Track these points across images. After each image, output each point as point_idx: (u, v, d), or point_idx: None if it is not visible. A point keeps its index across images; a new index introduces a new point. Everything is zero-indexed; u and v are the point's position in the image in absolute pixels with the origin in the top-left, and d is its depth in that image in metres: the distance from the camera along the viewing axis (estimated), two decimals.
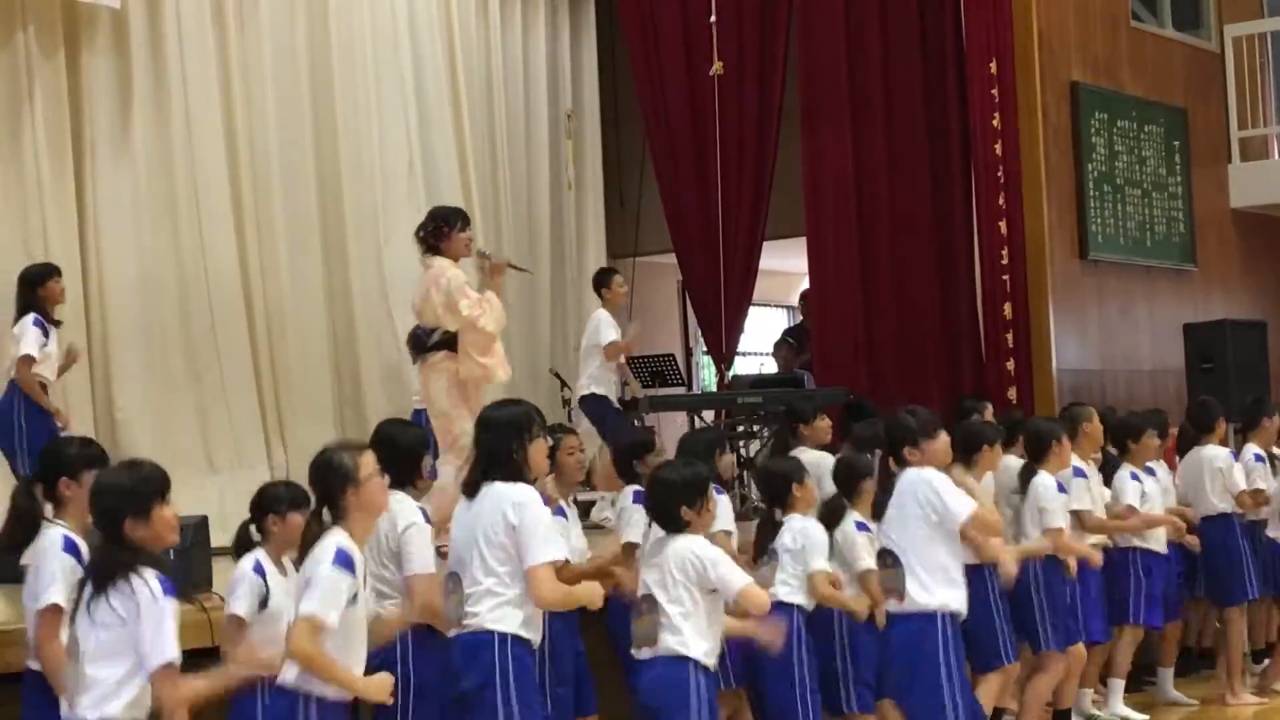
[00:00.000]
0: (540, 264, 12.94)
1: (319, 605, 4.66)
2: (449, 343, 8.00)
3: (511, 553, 5.24)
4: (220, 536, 8.85)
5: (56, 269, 8.84)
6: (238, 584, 5.34)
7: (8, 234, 9.59)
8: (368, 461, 4.89)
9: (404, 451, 5.69)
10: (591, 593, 5.43)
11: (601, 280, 10.75)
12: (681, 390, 13.28)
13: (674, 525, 5.62)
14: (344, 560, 4.73)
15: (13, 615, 6.38)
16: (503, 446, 5.33)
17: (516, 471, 5.31)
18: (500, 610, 5.26)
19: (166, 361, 10.30)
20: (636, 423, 10.64)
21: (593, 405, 10.24)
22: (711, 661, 5.57)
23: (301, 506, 5.41)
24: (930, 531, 6.29)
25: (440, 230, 8.11)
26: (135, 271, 10.20)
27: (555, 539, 5.34)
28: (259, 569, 5.35)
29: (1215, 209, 12.92)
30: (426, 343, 8.09)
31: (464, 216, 8.30)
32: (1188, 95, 12.74)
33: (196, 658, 5.32)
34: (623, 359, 10.64)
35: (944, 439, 6.37)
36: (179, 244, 10.43)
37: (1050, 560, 7.58)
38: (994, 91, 11.01)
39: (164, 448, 10.09)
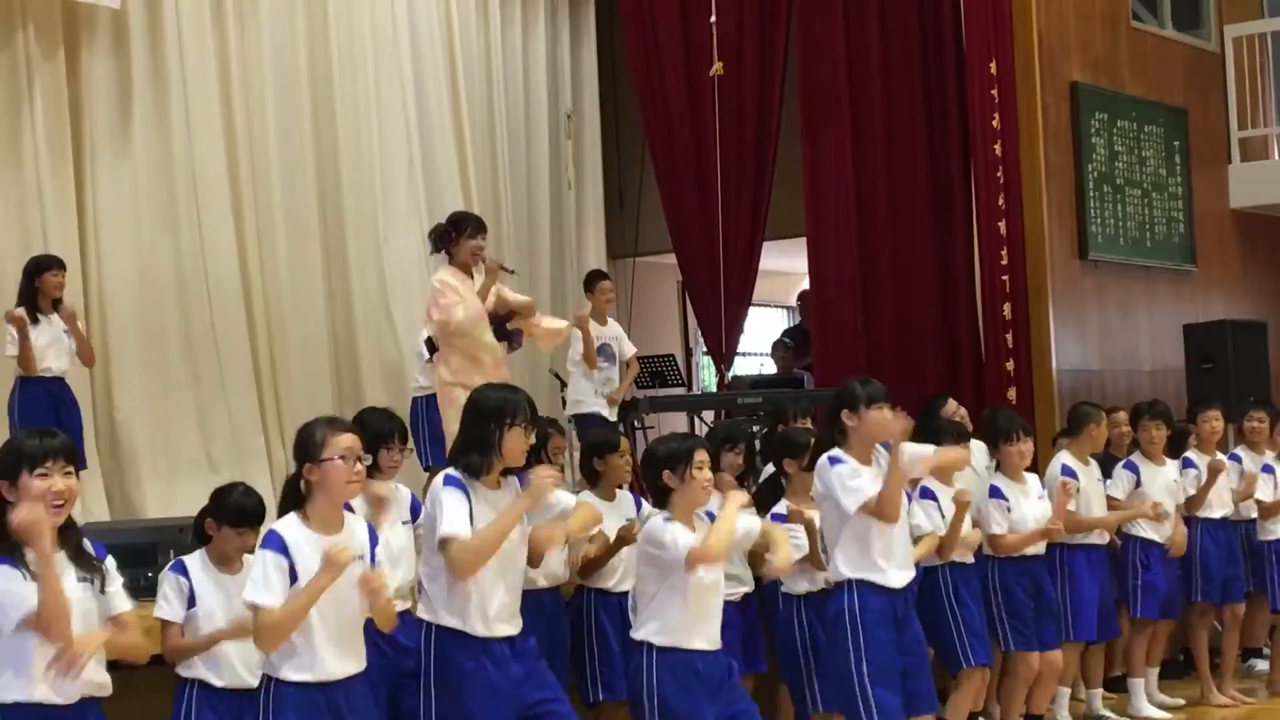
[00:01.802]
0: (540, 264, 12.94)
1: (250, 590, 4.63)
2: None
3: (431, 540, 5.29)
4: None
5: (56, 261, 8.85)
6: (159, 586, 5.48)
7: (8, 234, 9.59)
8: (338, 442, 4.75)
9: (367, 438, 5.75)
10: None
11: (587, 284, 10.74)
12: (681, 391, 13.29)
13: (659, 496, 5.60)
14: (272, 542, 4.67)
15: None
16: (479, 429, 5.30)
17: (488, 455, 5.25)
18: (422, 598, 5.35)
19: (166, 361, 10.30)
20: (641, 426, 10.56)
21: (582, 426, 10.06)
22: (670, 640, 5.46)
23: (239, 525, 5.52)
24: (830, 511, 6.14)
25: (447, 235, 8.04)
26: (135, 271, 10.20)
27: (457, 514, 5.18)
28: (179, 567, 5.52)
29: (1215, 209, 12.91)
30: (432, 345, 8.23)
31: (476, 222, 8.16)
32: (1188, 95, 12.74)
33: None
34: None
35: (885, 414, 6.06)
36: (179, 244, 10.42)
37: (1010, 560, 7.63)
38: (994, 91, 11.00)
39: (164, 448, 10.13)
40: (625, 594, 6.71)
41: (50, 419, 8.36)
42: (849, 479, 5.96)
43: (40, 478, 4.31)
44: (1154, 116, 12.28)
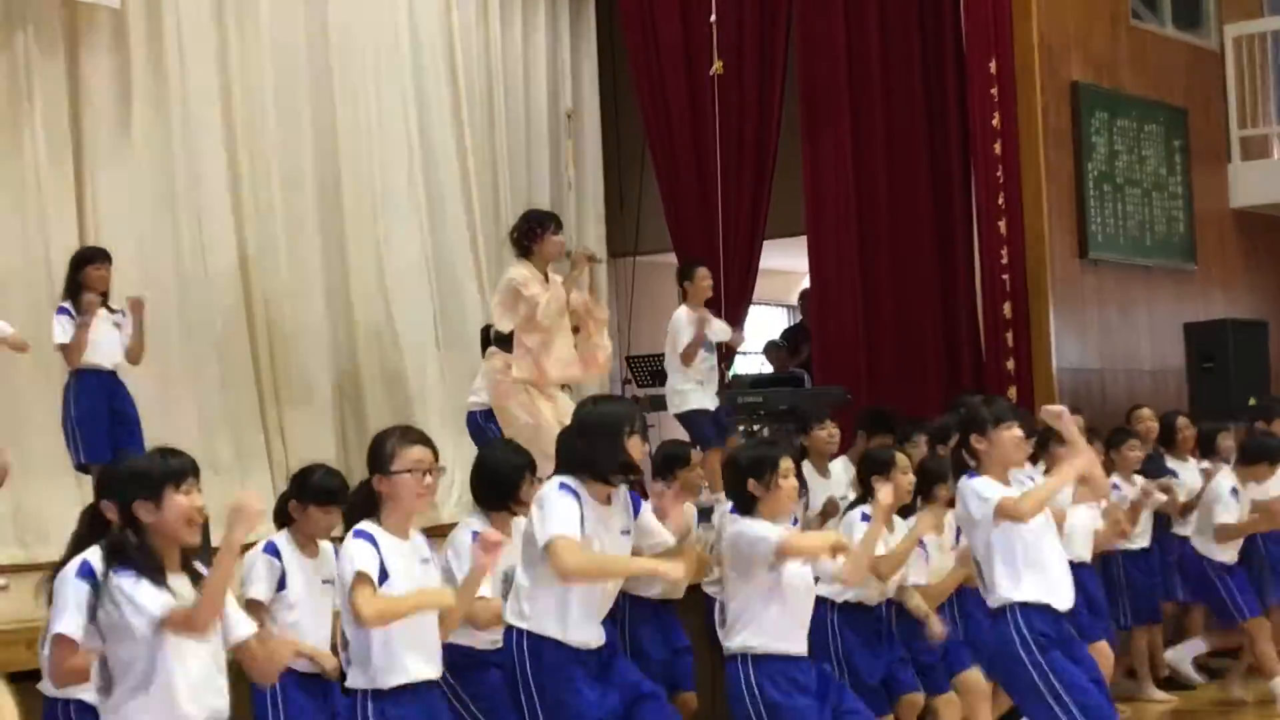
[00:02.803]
0: None
1: (351, 569, 4.70)
2: (502, 340, 8.07)
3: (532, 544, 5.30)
4: (220, 536, 8.91)
5: (100, 254, 8.71)
6: (250, 567, 5.42)
7: (8, 233, 9.60)
8: (408, 455, 4.80)
9: (490, 476, 5.80)
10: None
11: (684, 274, 10.30)
12: None
13: (743, 504, 5.54)
14: (363, 535, 4.76)
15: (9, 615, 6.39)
16: (600, 439, 5.30)
17: (614, 461, 5.26)
18: (515, 604, 5.32)
19: (166, 361, 10.29)
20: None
21: (690, 423, 9.88)
22: (776, 648, 5.43)
23: (325, 504, 5.57)
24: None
25: (533, 231, 8.07)
26: (135, 271, 10.17)
27: (565, 519, 5.21)
28: (271, 549, 5.59)
29: (1215, 209, 12.91)
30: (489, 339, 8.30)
31: (556, 220, 8.26)
32: (1188, 95, 12.74)
33: None
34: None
35: (1015, 432, 5.91)
36: (179, 243, 10.42)
37: None
38: (994, 91, 11.01)
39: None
40: (629, 596, 6.67)
41: (105, 411, 8.41)
42: (983, 490, 5.78)
43: (185, 494, 4.29)
44: (1154, 116, 12.28)
